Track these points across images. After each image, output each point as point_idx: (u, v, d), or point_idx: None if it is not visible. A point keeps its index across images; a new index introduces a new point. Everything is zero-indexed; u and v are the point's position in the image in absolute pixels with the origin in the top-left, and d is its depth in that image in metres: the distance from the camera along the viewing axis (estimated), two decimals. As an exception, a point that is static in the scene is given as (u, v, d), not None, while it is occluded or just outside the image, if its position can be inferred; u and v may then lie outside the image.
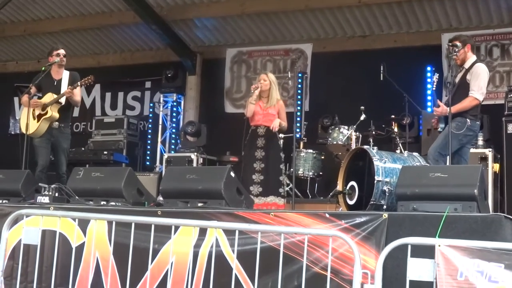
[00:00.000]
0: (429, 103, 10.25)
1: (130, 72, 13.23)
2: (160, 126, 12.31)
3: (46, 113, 8.18)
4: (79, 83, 8.25)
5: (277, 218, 5.14)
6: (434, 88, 7.05)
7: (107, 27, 12.67)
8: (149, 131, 12.58)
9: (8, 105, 14.14)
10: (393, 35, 11.37)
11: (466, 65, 6.98)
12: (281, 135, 9.55)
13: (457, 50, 6.88)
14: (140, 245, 5.00)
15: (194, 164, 10.61)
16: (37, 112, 8.22)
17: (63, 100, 8.27)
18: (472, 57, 7.04)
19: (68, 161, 8.55)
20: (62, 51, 8.50)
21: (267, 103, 8.23)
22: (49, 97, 8.26)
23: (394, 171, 6.16)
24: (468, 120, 6.80)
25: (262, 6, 11.41)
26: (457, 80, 6.98)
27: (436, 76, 7.12)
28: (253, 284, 4.73)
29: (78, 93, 8.40)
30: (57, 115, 8.22)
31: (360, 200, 6.39)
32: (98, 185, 6.47)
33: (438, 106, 6.98)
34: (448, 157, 6.56)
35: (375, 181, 6.07)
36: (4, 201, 6.65)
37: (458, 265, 3.91)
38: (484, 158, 8.84)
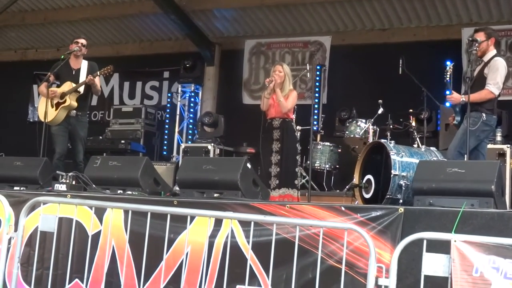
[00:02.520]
0: (447, 97, 10.18)
1: (149, 62, 13.27)
2: (177, 116, 12.34)
3: (65, 101, 8.23)
4: (98, 72, 8.30)
5: (292, 210, 5.15)
6: (447, 78, 6.97)
7: (126, 16, 12.71)
8: (167, 121, 12.61)
9: (27, 92, 14.23)
10: (413, 28, 11.32)
11: (485, 59, 6.92)
12: (299, 127, 9.55)
13: (477, 45, 6.82)
14: (156, 234, 5.01)
15: (211, 155, 10.63)
16: (55, 100, 8.27)
17: (81, 89, 8.31)
18: (492, 51, 6.98)
19: (85, 149, 8.60)
20: (82, 41, 8.54)
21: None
22: (67, 86, 8.30)
23: (411, 165, 6.14)
24: (484, 115, 6.73)
25: (281, -3, 11.41)
26: (475, 73, 6.93)
27: (451, 66, 7.04)
28: (268, 276, 4.73)
29: (98, 82, 8.45)
30: (75, 104, 8.26)
31: (376, 193, 6.38)
32: (115, 174, 6.49)
33: (452, 93, 6.94)
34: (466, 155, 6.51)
35: (392, 175, 6.05)
36: (21, 188, 6.69)
37: (473, 261, 3.89)
38: (502, 154, 8.78)
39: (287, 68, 8.30)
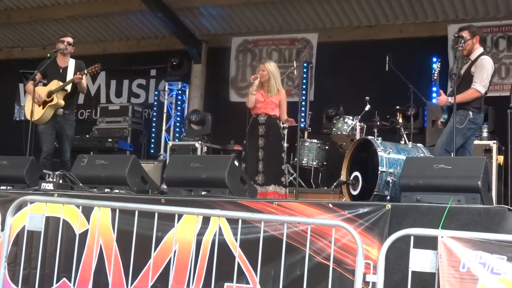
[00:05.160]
0: (434, 94, 10.23)
1: (136, 60, 13.23)
2: (164, 114, 12.32)
3: (52, 100, 8.19)
4: (86, 71, 8.27)
5: (280, 208, 5.15)
6: (435, 78, 7.00)
7: (112, 14, 12.65)
8: (154, 119, 12.58)
9: (13, 91, 14.14)
10: (399, 25, 11.34)
11: (472, 57, 6.94)
12: (286, 125, 9.55)
13: (463, 41, 6.84)
14: (144, 233, 5.00)
15: (198, 153, 10.62)
16: (42, 99, 8.22)
17: (68, 87, 8.29)
18: (479, 49, 7.00)
19: (72, 148, 8.57)
20: (68, 39, 8.50)
21: (268, 92, 8.21)
22: (54, 84, 8.26)
23: (398, 162, 6.16)
24: (470, 113, 6.76)
25: (268, -5, 11.41)
26: (462, 71, 6.96)
27: (438, 65, 7.07)
28: (256, 273, 4.74)
29: (84, 80, 8.42)
30: (62, 102, 8.23)
31: (363, 190, 6.40)
32: (102, 173, 6.48)
33: (440, 95, 6.97)
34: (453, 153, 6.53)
35: (379, 172, 6.07)
36: (8, 188, 6.67)
37: (460, 256, 3.91)
38: (488, 150, 8.83)
39: (272, 66, 8.24)
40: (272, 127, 8.10)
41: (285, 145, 8.61)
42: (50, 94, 8.20)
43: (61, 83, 8.23)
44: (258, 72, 8.24)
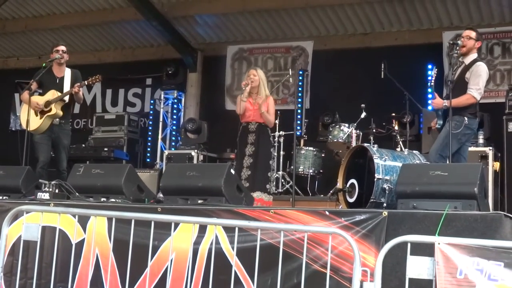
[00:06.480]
0: (430, 101, 10.24)
1: (131, 69, 13.23)
2: (160, 123, 12.33)
3: (50, 110, 8.18)
4: (86, 82, 8.27)
5: (276, 216, 5.14)
6: (432, 83, 7.01)
7: (108, 23, 12.67)
8: (150, 128, 12.60)
9: (9, 101, 14.14)
10: (394, 33, 11.37)
11: (466, 61, 6.94)
12: (282, 133, 9.57)
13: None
14: (140, 242, 4.99)
15: (195, 161, 10.63)
16: (40, 107, 8.22)
17: (67, 97, 8.27)
18: (474, 54, 7.01)
19: (68, 157, 8.56)
20: (61, 48, 8.48)
21: (257, 99, 8.24)
22: (52, 94, 8.24)
23: (394, 169, 6.17)
24: (466, 118, 6.77)
25: (263, 3, 11.41)
26: (455, 76, 6.96)
27: (435, 70, 7.08)
28: (253, 282, 4.73)
29: (81, 90, 8.42)
30: (61, 113, 8.23)
31: (360, 198, 6.40)
32: (98, 182, 6.45)
33: (435, 98, 6.97)
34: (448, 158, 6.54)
35: (375, 179, 6.08)
36: (4, 197, 6.64)
37: (457, 263, 3.91)
38: (484, 157, 8.84)
39: (262, 72, 8.35)
40: (262, 135, 8.14)
41: (281, 153, 8.63)
42: (48, 104, 8.19)
43: (58, 93, 8.22)
44: (248, 77, 8.28)
